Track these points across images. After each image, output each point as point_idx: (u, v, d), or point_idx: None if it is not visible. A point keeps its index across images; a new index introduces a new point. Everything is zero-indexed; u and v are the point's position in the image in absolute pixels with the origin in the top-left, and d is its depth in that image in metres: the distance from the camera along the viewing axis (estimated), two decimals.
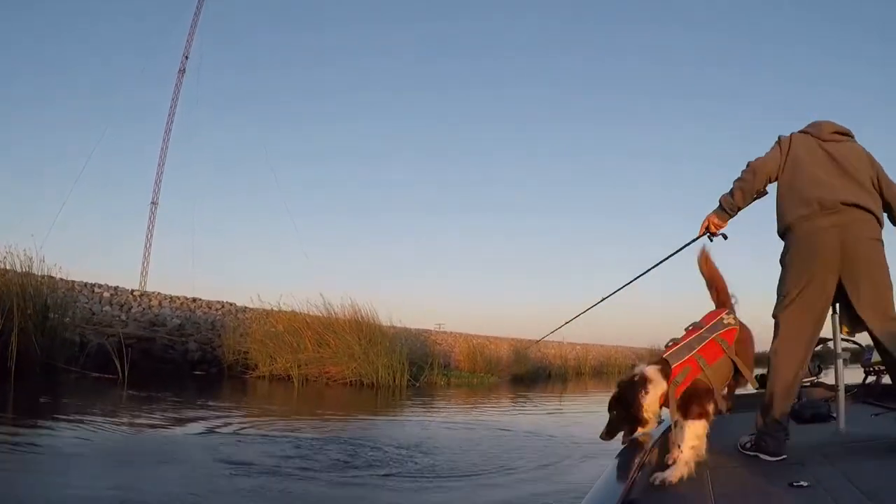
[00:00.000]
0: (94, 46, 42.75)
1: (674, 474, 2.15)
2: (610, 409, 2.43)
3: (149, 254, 29.44)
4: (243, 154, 50.11)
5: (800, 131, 2.76)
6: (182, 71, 29.87)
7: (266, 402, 10.22)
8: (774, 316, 2.59)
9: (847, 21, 45.90)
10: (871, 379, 4.75)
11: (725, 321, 2.44)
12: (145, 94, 42.36)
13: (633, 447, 2.63)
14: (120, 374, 9.79)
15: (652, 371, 2.33)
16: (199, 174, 52.74)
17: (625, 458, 2.56)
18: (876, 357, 4.39)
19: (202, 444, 5.42)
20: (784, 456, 2.47)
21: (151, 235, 29.57)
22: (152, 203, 29.70)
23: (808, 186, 2.55)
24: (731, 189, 2.74)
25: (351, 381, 12.43)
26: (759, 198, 2.75)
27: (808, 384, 4.59)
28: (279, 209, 51.00)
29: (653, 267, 3.17)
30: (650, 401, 2.28)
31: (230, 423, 6.60)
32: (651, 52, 51.06)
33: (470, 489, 4.34)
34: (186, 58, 29.87)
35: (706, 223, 2.79)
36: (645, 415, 2.30)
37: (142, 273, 29.07)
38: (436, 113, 50.55)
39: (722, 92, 50.07)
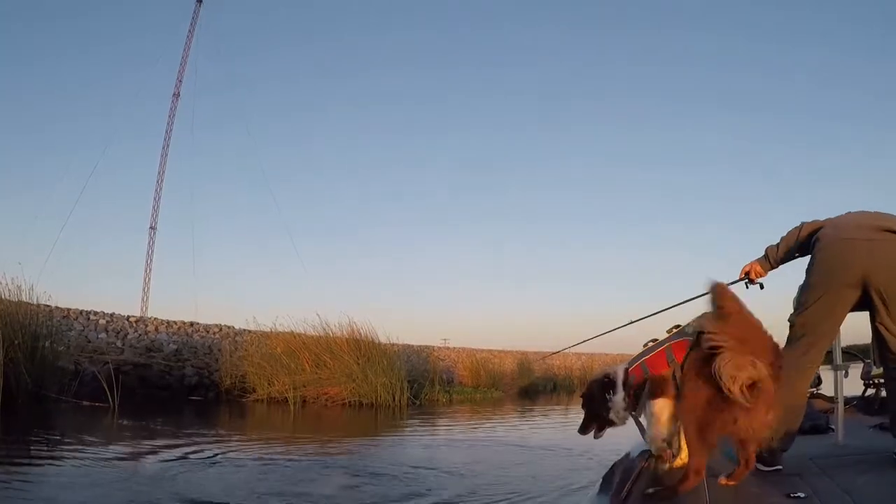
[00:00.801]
0: (91, 63, 43.13)
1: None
2: (583, 406, 2.52)
3: (149, 279, 29.56)
4: (241, 172, 50.46)
5: None
6: (177, 94, 30.18)
7: (263, 426, 10.04)
8: (790, 321, 2.60)
9: (847, 21, 46.19)
10: (870, 392, 4.68)
11: (688, 329, 2.18)
12: (141, 114, 42.73)
13: (631, 455, 2.64)
14: (111, 403, 9.66)
15: (621, 372, 2.36)
16: (197, 196, 52.95)
17: (622, 466, 2.57)
18: (876, 370, 4.29)
19: (193, 473, 5.22)
20: (779, 466, 2.49)
21: (151, 260, 29.70)
22: (151, 228, 29.81)
23: (846, 218, 2.63)
24: (778, 241, 2.82)
25: (350, 402, 12.26)
26: (800, 255, 2.78)
27: (808, 395, 4.48)
28: (278, 227, 51.25)
29: (675, 305, 3.11)
30: (617, 401, 2.33)
31: (225, 450, 6.41)
32: (650, 52, 51.46)
33: None
34: (181, 81, 30.18)
35: (748, 268, 2.84)
36: (611, 416, 2.36)
37: (143, 298, 29.09)
38: (434, 122, 50.90)
39: (722, 92, 50.30)
